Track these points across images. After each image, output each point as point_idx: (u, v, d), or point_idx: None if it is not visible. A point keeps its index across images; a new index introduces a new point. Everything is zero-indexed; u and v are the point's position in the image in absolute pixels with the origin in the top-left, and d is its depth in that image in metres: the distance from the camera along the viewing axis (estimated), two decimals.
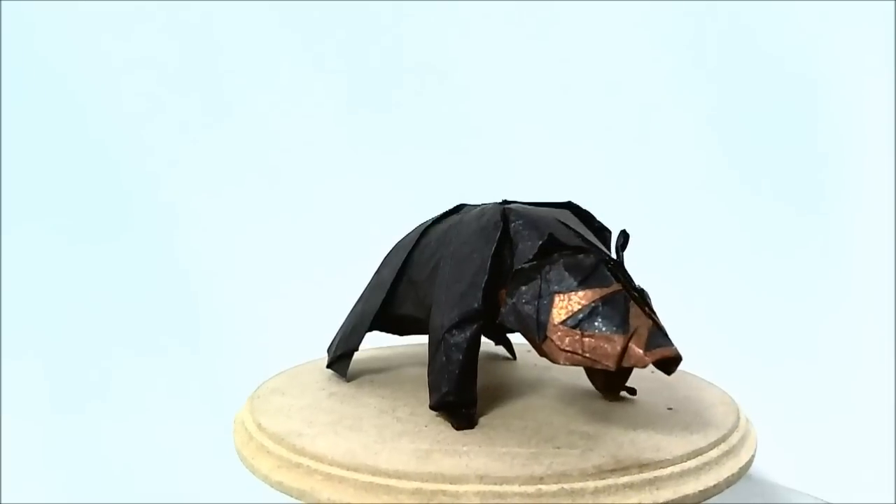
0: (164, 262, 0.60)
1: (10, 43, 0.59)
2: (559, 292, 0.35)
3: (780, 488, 0.52)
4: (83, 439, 0.60)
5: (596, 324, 0.34)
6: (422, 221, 0.43)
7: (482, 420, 0.38)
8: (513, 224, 0.38)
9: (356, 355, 0.46)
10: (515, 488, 0.32)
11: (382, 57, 0.58)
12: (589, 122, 0.58)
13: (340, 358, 0.44)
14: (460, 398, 0.37)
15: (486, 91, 0.58)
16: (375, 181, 0.59)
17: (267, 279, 0.60)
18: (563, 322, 0.34)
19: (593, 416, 0.39)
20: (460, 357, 0.37)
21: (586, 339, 0.34)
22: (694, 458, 0.35)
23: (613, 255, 0.38)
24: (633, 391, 0.42)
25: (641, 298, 0.35)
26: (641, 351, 0.33)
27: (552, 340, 0.35)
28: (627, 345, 0.34)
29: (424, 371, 0.38)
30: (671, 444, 0.36)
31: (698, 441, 0.36)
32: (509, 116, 0.58)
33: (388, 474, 0.33)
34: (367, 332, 0.43)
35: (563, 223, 0.38)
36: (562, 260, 0.36)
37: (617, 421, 0.38)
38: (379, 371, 0.45)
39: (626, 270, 0.36)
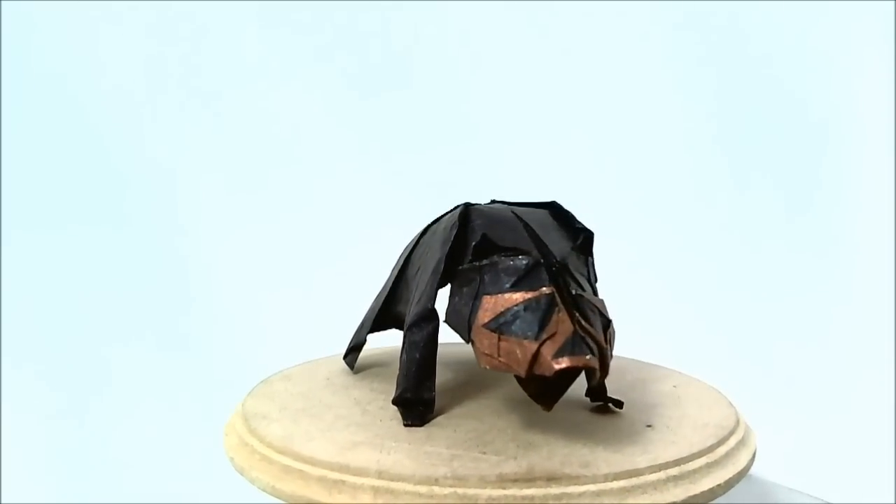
0: (165, 260, 0.62)
1: (10, 39, 0.60)
2: (488, 293, 0.34)
3: (780, 488, 0.49)
4: (84, 438, 0.61)
5: (513, 328, 0.33)
6: (426, 221, 0.44)
7: (440, 418, 0.38)
8: (471, 224, 0.38)
9: (380, 349, 0.48)
10: (408, 487, 0.32)
11: (386, 57, 0.59)
12: (592, 122, 0.57)
13: (350, 351, 0.46)
14: (416, 395, 0.38)
15: (490, 91, 0.57)
16: (379, 180, 0.59)
17: (270, 276, 0.62)
18: (486, 324, 0.34)
19: (554, 426, 0.37)
20: (416, 355, 0.38)
21: (502, 343, 0.33)
22: (623, 479, 0.33)
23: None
24: (619, 404, 0.39)
25: (575, 304, 0.34)
26: (550, 358, 0.32)
27: (475, 343, 0.34)
28: (538, 351, 0.32)
29: None
30: (606, 462, 0.34)
31: (641, 462, 0.34)
32: (512, 117, 0.57)
33: (303, 460, 0.35)
34: (371, 327, 0.45)
35: (524, 223, 0.37)
36: (499, 261, 0.35)
37: (574, 433, 0.37)
38: (386, 365, 0.46)
39: (569, 273, 0.35)
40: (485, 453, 0.35)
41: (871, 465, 0.56)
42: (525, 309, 0.33)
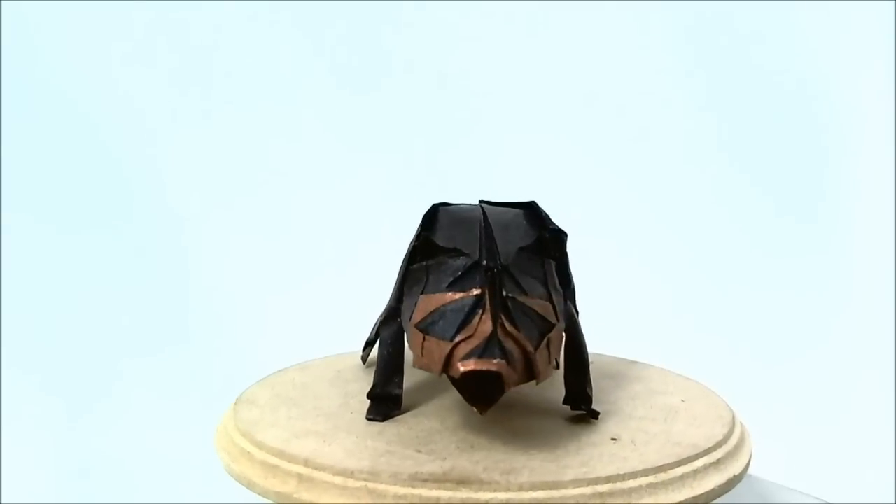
0: (165, 261, 0.62)
1: (10, 41, 0.60)
2: (425, 293, 0.35)
3: (780, 488, 0.46)
4: (85, 438, 0.61)
5: (436, 328, 0.33)
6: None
7: (406, 414, 0.39)
8: (435, 224, 0.38)
9: None
10: (326, 477, 0.33)
11: (386, 55, 0.58)
12: (593, 123, 0.55)
13: (364, 347, 0.48)
14: (384, 391, 0.39)
15: (490, 90, 0.56)
16: (383, 179, 0.59)
17: (269, 277, 0.62)
18: (417, 324, 0.34)
19: (510, 431, 0.37)
20: (384, 353, 0.39)
21: (426, 343, 0.33)
22: (541, 489, 0.32)
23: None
24: (594, 414, 0.38)
25: (504, 307, 0.33)
26: (458, 360, 0.32)
27: (408, 341, 0.35)
28: (451, 352, 0.32)
29: None
30: (532, 471, 0.33)
31: (569, 475, 0.33)
32: (512, 117, 0.55)
33: (256, 444, 0.36)
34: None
35: (485, 224, 0.37)
36: (444, 261, 0.35)
37: (525, 440, 0.36)
38: None
39: (511, 276, 0.34)
40: (420, 452, 0.35)
41: (871, 465, 0.57)
42: (451, 310, 0.33)
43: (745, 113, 0.58)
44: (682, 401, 0.41)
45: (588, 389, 0.39)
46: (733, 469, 0.36)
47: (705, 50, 0.57)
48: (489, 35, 0.58)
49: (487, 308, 0.33)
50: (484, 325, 0.32)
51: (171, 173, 0.64)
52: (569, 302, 0.38)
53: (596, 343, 0.48)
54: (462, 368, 0.31)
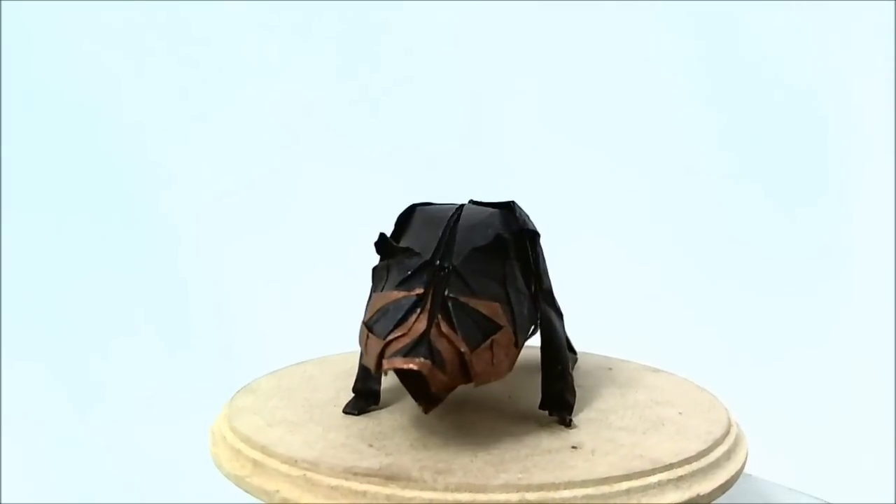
0: (164, 262, 0.62)
1: (9, 40, 0.60)
2: (377, 291, 0.35)
3: (780, 488, 0.45)
4: (85, 437, 0.61)
5: (376, 326, 0.33)
6: None
7: (383, 410, 0.39)
8: (409, 224, 0.38)
9: None
10: (274, 463, 0.34)
11: (383, 55, 0.57)
12: (592, 122, 0.54)
13: None
14: (364, 386, 0.40)
15: (488, 91, 0.54)
16: (374, 180, 0.58)
17: (268, 277, 0.61)
18: (365, 321, 0.35)
19: (471, 432, 0.36)
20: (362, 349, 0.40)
21: (368, 341, 0.34)
22: (465, 491, 0.32)
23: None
24: (565, 422, 0.37)
25: (443, 307, 0.33)
26: (385, 358, 0.32)
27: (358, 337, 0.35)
28: (383, 349, 0.32)
29: None
30: (466, 473, 0.32)
31: (500, 479, 0.32)
32: (511, 118, 0.53)
33: (231, 429, 0.38)
34: None
35: (450, 224, 0.37)
36: (401, 261, 0.36)
37: (481, 441, 0.35)
38: None
39: (460, 277, 0.34)
40: (371, 446, 0.35)
41: (871, 465, 0.57)
42: (393, 308, 0.33)
43: (745, 112, 0.56)
44: (679, 413, 0.39)
45: (567, 395, 0.38)
46: (700, 488, 0.34)
47: (704, 48, 0.56)
48: (490, 35, 0.57)
49: (427, 308, 0.33)
50: (419, 324, 0.32)
51: (174, 172, 0.64)
52: (545, 304, 0.37)
53: (613, 348, 0.46)
54: (386, 366, 0.31)
